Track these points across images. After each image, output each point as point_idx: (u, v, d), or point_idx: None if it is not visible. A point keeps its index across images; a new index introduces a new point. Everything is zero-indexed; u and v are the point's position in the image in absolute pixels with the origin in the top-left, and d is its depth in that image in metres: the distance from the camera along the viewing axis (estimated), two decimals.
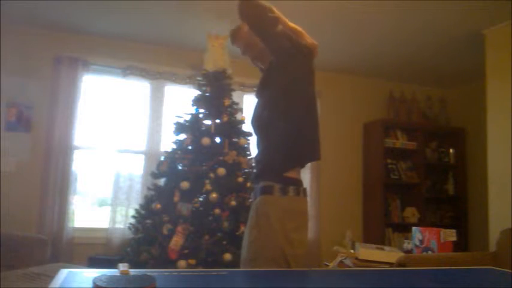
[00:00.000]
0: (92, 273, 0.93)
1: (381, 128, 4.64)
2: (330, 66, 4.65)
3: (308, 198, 1.76)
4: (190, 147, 3.42)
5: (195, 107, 3.55)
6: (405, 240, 3.43)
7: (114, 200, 3.93)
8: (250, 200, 1.94)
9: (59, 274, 0.95)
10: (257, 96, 1.93)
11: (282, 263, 1.53)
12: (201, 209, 3.23)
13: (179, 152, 3.43)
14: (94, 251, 3.74)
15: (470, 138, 4.91)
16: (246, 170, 3.42)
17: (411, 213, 4.62)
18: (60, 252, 3.63)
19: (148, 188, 3.49)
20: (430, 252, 2.87)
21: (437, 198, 4.91)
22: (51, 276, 2.52)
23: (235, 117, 3.57)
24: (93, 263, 3.54)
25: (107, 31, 3.92)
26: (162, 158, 3.51)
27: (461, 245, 4.20)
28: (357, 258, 3.02)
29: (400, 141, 4.75)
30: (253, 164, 1.90)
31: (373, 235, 4.56)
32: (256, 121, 1.80)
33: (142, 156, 4.09)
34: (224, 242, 3.12)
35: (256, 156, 1.80)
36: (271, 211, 1.59)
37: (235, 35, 1.95)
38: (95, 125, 4.07)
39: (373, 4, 3.22)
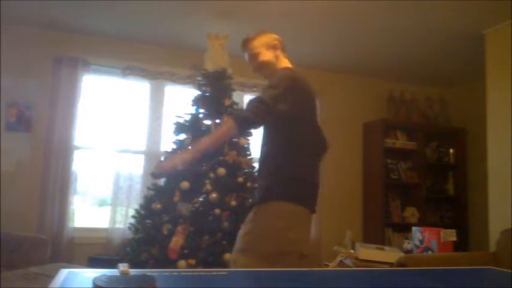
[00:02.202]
0: (92, 273, 0.93)
1: (380, 128, 4.64)
2: (330, 66, 4.65)
3: None
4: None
5: (195, 107, 3.55)
6: (405, 240, 3.44)
7: (114, 200, 3.93)
8: None
9: (59, 274, 0.95)
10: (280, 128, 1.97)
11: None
12: (201, 209, 3.23)
13: (179, 152, 3.43)
14: (94, 251, 3.73)
15: (470, 138, 4.91)
16: (246, 170, 3.42)
17: (411, 213, 4.62)
18: (60, 252, 3.62)
19: (148, 188, 3.49)
20: (430, 252, 2.87)
21: (437, 198, 4.91)
22: (51, 276, 2.51)
23: None
24: (93, 263, 3.54)
25: (107, 31, 3.92)
26: (162, 158, 3.51)
27: (461, 245, 4.20)
28: (357, 258, 3.02)
29: (400, 141, 4.76)
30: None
31: (373, 235, 4.55)
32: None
33: (143, 156, 4.09)
34: (224, 242, 3.11)
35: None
36: None
37: (252, 42, 2.09)
38: (95, 125, 4.07)
39: (373, 4, 3.22)
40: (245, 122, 1.81)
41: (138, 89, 4.14)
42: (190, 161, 1.88)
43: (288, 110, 1.84)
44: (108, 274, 0.90)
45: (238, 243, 1.88)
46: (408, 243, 3.26)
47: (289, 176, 1.88)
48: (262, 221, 1.83)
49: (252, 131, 3.53)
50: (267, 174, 1.92)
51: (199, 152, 1.96)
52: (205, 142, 1.92)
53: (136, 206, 3.54)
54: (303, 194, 1.90)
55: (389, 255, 2.94)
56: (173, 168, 1.87)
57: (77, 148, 3.88)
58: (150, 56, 4.17)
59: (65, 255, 3.65)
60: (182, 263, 3.02)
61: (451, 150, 4.96)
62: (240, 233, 1.90)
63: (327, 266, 3.25)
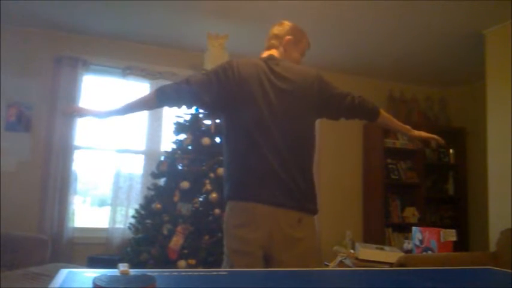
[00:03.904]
0: (92, 273, 0.93)
1: (381, 128, 4.64)
2: (330, 66, 4.65)
3: None
4: (190, 147, 3.42)
5: (195, 107, 3.55)
6: (405, 240, 3.44)
7: (114, 200, 3.94)
8: None
9: (59, 274, 0.95)
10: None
11: None
12: (201, 209, 3.23)
13: (179, 152, 3.43)
14: (94, 251, 3.74)
15: (470, 138, 4.91)
16: None
17: (411, 213, 4.63)
18: (60, 252, 3.63)
19: (148, 188, 3.49)
20: (430, 252, 2.87)
21: (437, 198, 4.91)
22: (51, 276, 2.52)
23: None
24: (93, 263, 3.54)
25: (107, 31, 3.92)
26: (162, 158, 3.51)
27: (461, 245, 4.20)
28: (357, 258, 3.03)
29: (400, 141, 4.75)
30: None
31: (373, 235, 4.56)
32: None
33: (142, 156, 4.09)
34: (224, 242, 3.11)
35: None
36: None
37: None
38: (95, 125, 4.07)
39: (373, 4, 3.22)
40: (163, 93, 1.80)
41: (138, 89, 4.14)
42: (99, 116, 1.90)
43: (213, 93, 1.80)
44: (108, 274, 0.90)
45: None
46: (408, 243, 3.27)
47: (237, 172, 1.77)
48: (224, 221, 1.82)
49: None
50: (224, 170, 1.89)
51: (113, 113, 1.94)
52: (122, 105, 1.88)
53: (137, 206, 3.55)
54: (255, 189, 1.71)
55: (390, 255, 2.94)
56: (83, 113, 1.89)
57: (77, 148, 3.88)
58: (150, 56, 4.17)
59: (65, 255, 3.65)
60: (182, 263, 3.02)
61: (451, 150, 4.97)
62: None
63: (327, 266, 3.26)
